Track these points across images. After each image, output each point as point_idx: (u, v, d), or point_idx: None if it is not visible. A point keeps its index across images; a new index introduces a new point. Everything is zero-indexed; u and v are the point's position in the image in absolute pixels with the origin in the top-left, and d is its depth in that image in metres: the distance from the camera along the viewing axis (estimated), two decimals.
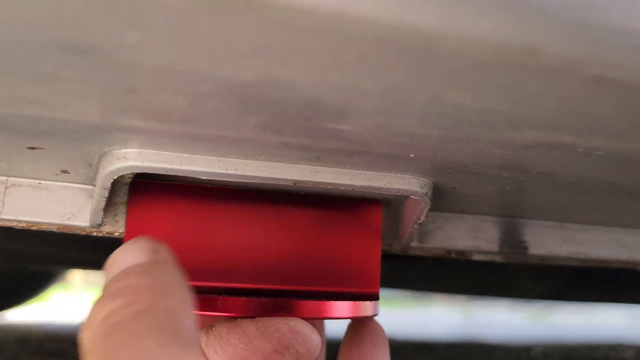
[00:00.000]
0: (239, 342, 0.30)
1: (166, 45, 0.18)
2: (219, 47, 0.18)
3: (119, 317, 0.21)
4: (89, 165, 0.32)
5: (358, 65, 0.19)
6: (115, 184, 0.32)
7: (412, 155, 0.30)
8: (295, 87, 0.21)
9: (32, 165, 0.32)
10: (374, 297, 0.37)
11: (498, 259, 0.43)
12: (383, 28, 0.17)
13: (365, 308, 0.34)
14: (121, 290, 0.22)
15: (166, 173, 0.31)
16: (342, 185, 0.33)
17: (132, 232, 0.34)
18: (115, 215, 0.35)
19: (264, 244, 0.36)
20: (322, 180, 0.32)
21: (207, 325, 0.32)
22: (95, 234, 0.35)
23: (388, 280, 0.41)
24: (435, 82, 0.20)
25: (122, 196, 0.35)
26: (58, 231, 0.35)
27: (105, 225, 0.35)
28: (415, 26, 0.17)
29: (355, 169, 0.33)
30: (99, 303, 0.22)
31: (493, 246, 0.42)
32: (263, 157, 0.31)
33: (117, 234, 0.35)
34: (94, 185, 0.33)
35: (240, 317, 0.31)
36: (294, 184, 0.32)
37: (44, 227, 0.34)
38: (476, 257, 0.42)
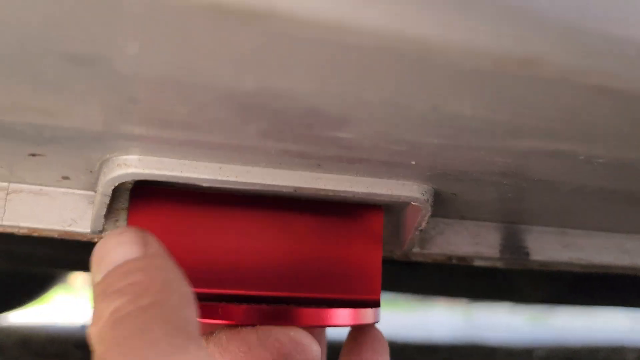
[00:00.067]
0: (238, 350, 0.30)
1: (167, 56, 0.18)
2: (220, 58, 0.18)
3: (125, 311, 0.22)
4: (90, 171, 0.32)
5: (358, 75, 0.19)
6: (116, 190, 0.32)
7: (413, 163, 0.30)
8: (295, 97, 0.21)
9: (34, 172, 0.32)
10: (375, 304, 0.37)
11: (499, 264, 0.43)
12: (383, 39, 0.17)
13: (366, 315, 0.34)
14: (125, 289, 0.23)
15: (167, 180, 0.31)
16: (343, 192, 0.33)
17: None
18: (117, 221, 0.35)
19: (265, 250, 0.36)
20: (323, 187, 0.32)
21: (207, 331, 0.32)
22: (96, 240, 0.35)
23: (389, 286, 0.41)
24: (435, 91, 0.20)
25: (123, 202, 0.35)
26: (59, 237, 0.35)
27: (106, 231, 0.35)
28: (415, 37, 0.17)
29: (356, 176, 0.33)
30: (103, 301, 0.23)
31: (494, 252, 0.42)
32: (264, 163, 0.31)
33: None
34: (95, 192, 0.33)
35: (241, 325, 0.31)
36: (295, 191, 0.32)
37: (45, 234, 0.34)
38: (477, 263, 0.42)
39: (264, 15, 0.16)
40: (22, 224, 0.34)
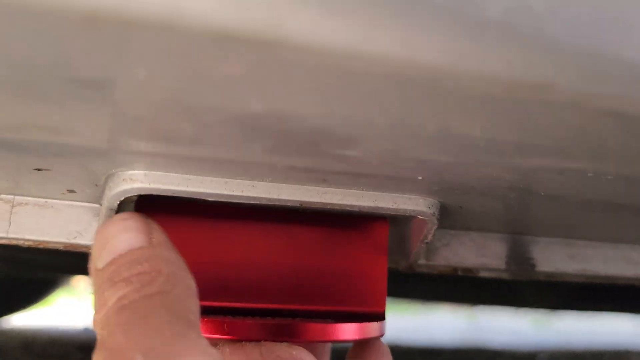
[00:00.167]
0: None
1: (174, 81, 0.18)
2: (228, 83, 0.18)
3: (129, 299, 0.22)
4: (96, 185, 0.32)
5: (367, 99, 0.19)
6: (121, 203, 0.32)
7: (420, 178, 0.30)
8: (303, 118, 0.21)
9: (39, 185, 0.32)
10: (380, 317, 0.37)
11: (505, 275, 0.43)
12: (393, 65, 0.17)
13: (372, 329, 0.34)
14: (131, 278, 0.23)
15: (172, 195, 0.30)
16: (349, 205, 0.32)
17: None
18: None
19: (270, 262, 0.36)
20: (329, 201, 0.32)
21: (210, 343, 0.32)
22: None
23: (395, 296, 0.40)
24: (445, 115, 0.20)
25: None
26: (64, 249, 0.35)
27: None
28: (425, 63, 0.17)
29: (362, 190, 0.32)
30: (110, 288, 0.23)
31: (500, 263, 0.42)
32: (270, 178, 0.31)
33: None
34: (101, 205, 0.33)
35: (245, 340, 0.31)
36: (301, 205, 0.32)
37: (50, 246, 0.34)
38: (483, 274, 0.42)
39: (275, 42, 0.16)
40: (27, 237, 0.34)
